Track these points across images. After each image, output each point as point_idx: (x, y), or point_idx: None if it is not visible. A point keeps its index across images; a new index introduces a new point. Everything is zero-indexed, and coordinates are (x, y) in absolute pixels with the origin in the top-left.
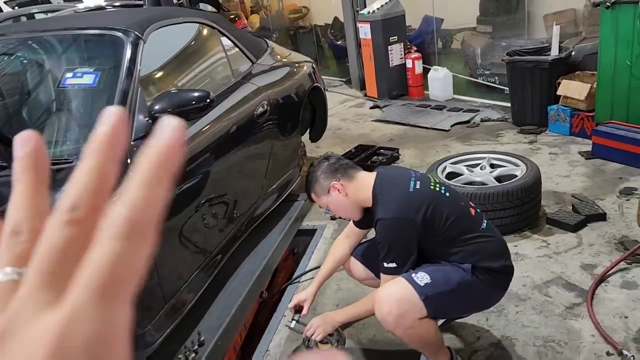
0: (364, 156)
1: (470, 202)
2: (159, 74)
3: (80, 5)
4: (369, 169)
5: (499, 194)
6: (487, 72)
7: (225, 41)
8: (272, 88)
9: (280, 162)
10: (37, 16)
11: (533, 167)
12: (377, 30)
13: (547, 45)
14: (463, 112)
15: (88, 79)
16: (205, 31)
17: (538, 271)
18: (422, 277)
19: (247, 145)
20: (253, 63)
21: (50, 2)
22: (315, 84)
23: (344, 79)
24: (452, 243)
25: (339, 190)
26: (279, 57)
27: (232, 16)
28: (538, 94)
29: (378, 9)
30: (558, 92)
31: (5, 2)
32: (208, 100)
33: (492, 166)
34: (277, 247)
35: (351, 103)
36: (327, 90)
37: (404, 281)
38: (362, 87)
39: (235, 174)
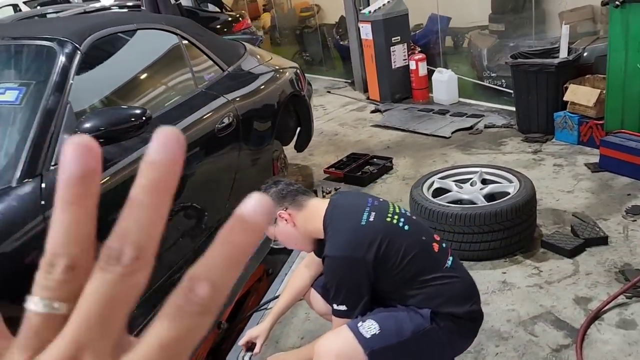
0: (355, 166)
1: (436, 236)
2: (102, 87)
3: (96, 4)
4: (359, 180)
5: (486, 215)
6: (493, 75)
7: (191, 48)
8: (241, 97)
9: (249, 177)
10: (49, 17)
11: (527, 185)
12: (379, 30)
13: (556, 46)
14: (467, 117)
15: (10, 96)
16: (165, 38)
17: (526, 304)
18: (369, 327)
19: (205, 162)
20: (224, 71)
21: (70, 2)
22: (295, 92)
23: (349, 81)
24: (409, 284)
25: (286, 220)
26: (256, 63)
27: (237, 16)
28: (544, 100)
29: (379, 8)
30: (565, 98)
31: (24, 2)
32: (144, 118)
33: (485, 182)
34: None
35: (352, 106)
36: (330, 92)
37: (347, 332)
38: (366, 89)
39: (190, 195)
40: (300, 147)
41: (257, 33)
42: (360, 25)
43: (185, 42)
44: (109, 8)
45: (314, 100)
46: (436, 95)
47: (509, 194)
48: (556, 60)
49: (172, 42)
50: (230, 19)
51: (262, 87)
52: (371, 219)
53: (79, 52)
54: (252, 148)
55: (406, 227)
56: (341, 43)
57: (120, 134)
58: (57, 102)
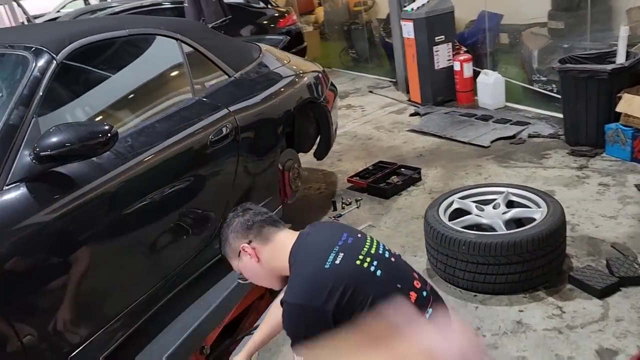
0: (380, 176)
1: (417, 282)
2: (79, 99)
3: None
4: (382, 192)
5: (502, 245)
6: (543, 79)
7: (193, 54)
8: (242, 105)
9: (249, 192)
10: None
11: (555, 212)
12: (421, 29)
13: (614, 49)
14: (511, 124)
15: None
16: (162, 44)
17: (539, 352)
18: None
19: (195, 175)
20: (229, 77)
21: None
22: (312, 98)
23: (394, 80)
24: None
25: (250, 255)
26: (271, 67)
27: (284, 11)
28: (594, 110)
29: (423, 5)
30: (617, 109)
31: None
32: (109, 135)
33: (511, 204)
34: (227, 296)
35: (392, 108)
36: (372, 92)
37: None
38: (408, 90)
39: (178, 210)
40: (319, 156)
41: (302, 30)
42: (403, 23)
43: (186, 46)
44: (160, 4)
45: (355, 101)
46: (481, 99)
47: (533, 220)
48: (609, 67)
49: (169, 48)
50: (277, 14)
51: (270, 93)
52: (337, 261)
53: (54, 62)
54: (254, 160)
55: (378, 273)
56: (387, 40)
57: (87, 150)
58: (21, 116)
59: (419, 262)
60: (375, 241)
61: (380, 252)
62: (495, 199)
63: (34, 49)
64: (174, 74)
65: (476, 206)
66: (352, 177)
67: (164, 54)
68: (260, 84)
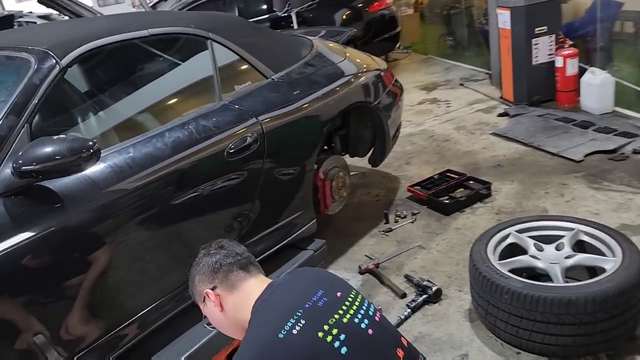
0: (445, 187)
1: None
2: (84, 108)
3: None
4: (442, 207)
5: (553, 301)
6: None
7: (225, 53)
8: (271, 110)
9: (274, 205)
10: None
11: (632, 264)
12: (519, 18)
13: None
14: (614, 135)
15: None
16: (188, 44)
17: None
18: None
19: (208, 190)
20: (267, 78)
21: None
22: (363, 102)
23: (490, 72)
24: None
25: (213, 302)
26: (319, 66)
27: None
28: None
29: None
30: None
31: None
32: (92, 150)
33: (580, 245)
34: None
35: (480, 105)
36: (463, 85)
37: None
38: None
39: (187, 226)
40: (374, 163)
41: (396, 14)
42: (499, 11)
43: (218, 45)
44: None
45: (442, 94)
46: (584, 101)
47: (603, 270)
48: None
49: (196, 48)
50: None
51: (310, 99)
52: (295, 330)
53: (57, 66)
54: (282, 172)
55: (343, 350)
56: (485, 29)
57: (68, 166)
58: (9, 126)
59: (463, 299)
60: (356, 304)
61: (357, 320)
62: (560, 237)
63: (38, 51)
64: (198, 76)
65: (535, 244)
66: (412, 186)
67: (189, 55)
68: (301, 86)
